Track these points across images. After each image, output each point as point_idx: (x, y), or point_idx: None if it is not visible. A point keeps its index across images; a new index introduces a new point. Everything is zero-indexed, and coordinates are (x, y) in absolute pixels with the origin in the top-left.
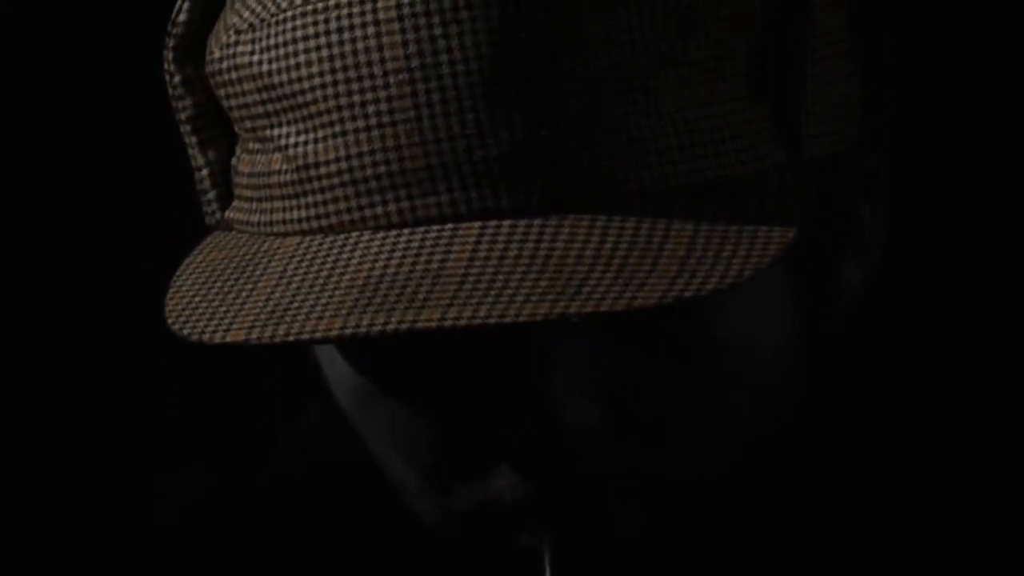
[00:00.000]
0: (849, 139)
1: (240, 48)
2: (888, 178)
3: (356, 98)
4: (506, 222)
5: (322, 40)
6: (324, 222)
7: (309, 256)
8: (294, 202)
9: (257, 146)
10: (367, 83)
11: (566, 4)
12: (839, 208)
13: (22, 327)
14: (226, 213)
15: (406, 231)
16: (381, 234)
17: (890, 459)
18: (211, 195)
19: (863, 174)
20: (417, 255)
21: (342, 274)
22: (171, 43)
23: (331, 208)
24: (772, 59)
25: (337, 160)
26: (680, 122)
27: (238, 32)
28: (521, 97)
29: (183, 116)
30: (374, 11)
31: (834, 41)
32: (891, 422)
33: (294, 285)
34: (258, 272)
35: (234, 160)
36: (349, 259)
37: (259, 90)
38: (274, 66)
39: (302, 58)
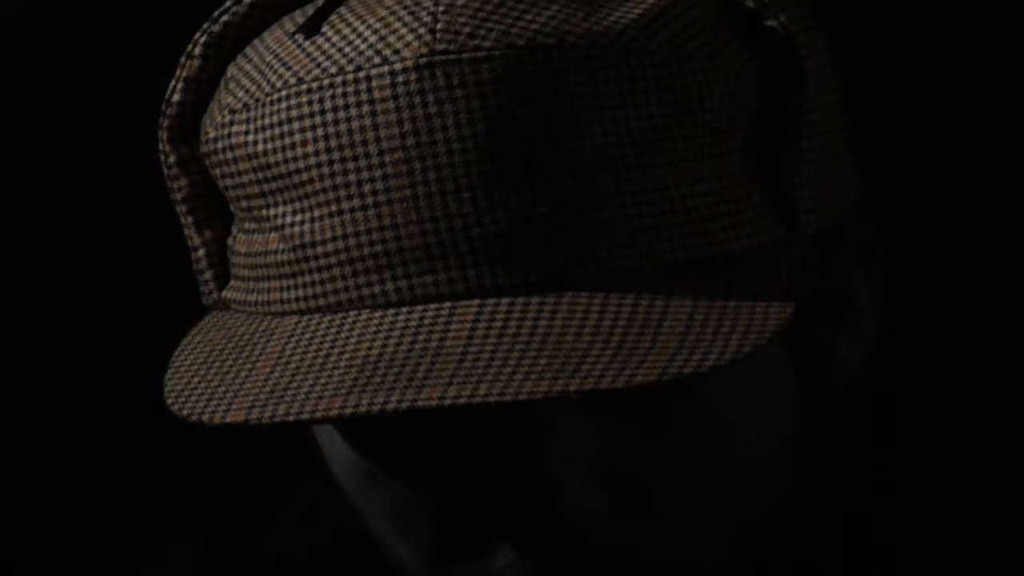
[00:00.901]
0: (845, 215)
1: (235, 128)
2: (884, 254)
3: (352, 177)
4: (504, 300)
5: (317, 119)
6: (322, 301)
7: (307, 336)
8: (291, 281)
9: (253, 225)
10: (363, 162)
11: (560, 82)
12: (835, 283)
13: (24, 404)
14: (223, 293)
15: (404, 310)
16: (379, 313)
17: (889, 529)
18: (208, 275)
19: (859, 250)
20: (416, 334)
21: (341, 353)
22: (165, 123)
23: (328, 287)
24: (767, 135)
25: (334, 239)
26: (676, 199)
27: (232, 112)
28: (517, 175)
29: (179, 196)
30: (368, 90)
31: (829, 116)
32: (889, 492)
33: (293, 365)
34: (256, 352)
35: (230, 240)
36: (348, 338)
37: (254, 169)
38: (269, 145)
39: (297, 137)
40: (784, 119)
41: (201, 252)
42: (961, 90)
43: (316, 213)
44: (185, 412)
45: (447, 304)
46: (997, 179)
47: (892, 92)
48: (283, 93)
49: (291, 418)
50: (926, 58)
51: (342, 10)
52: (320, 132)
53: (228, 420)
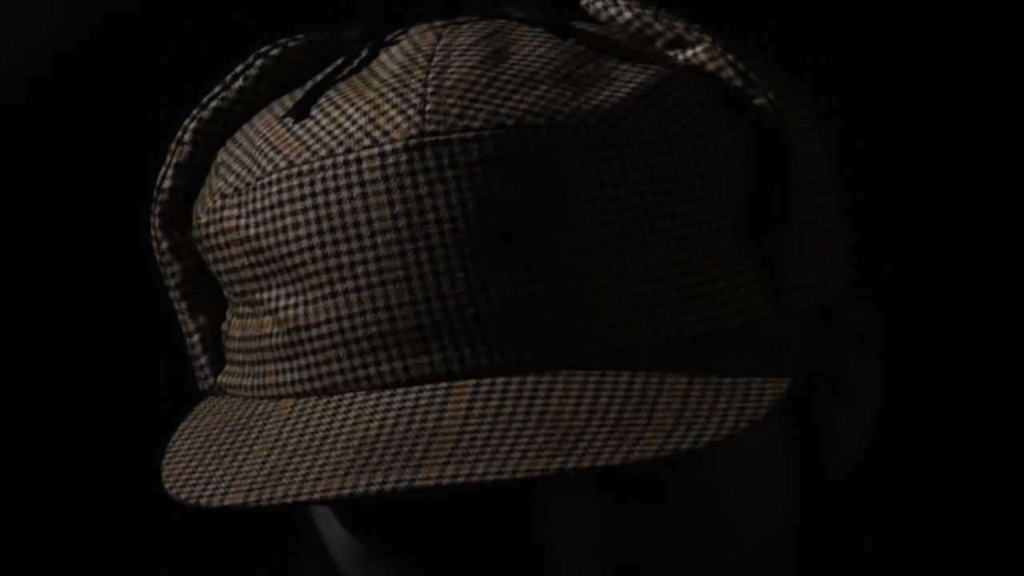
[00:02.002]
0: (838, 293)
1: (226, 212)
2: (879, 333)
3: (344, 259)
4: (500, 379)
5: (308, 202)
6: (317, 384)
7: (304, 418)
8: (286, 364)
9: (247, 310)
10: (355, 244)
11: (550, 161)
12: (830, 362)
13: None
14: (219, 378)
15: (400, 391)
16: (375, 395)
17: None
18: (203, 360)
19: (853, 328)
20: (412, 415)
21: (337, 435)
22: (157, 209)
23: (324, 370)
24: (757, 212)
25: (328, 322)
26: (669, 277)
27: (224, 196)
28: (509, 255)
29: (172, 282)
30: (359, 172)
31: (820, 193)
32: (890, 561)
33: (290, 447)
34: (253, 435)
35: (225, 325)
36: (344, 420)
37: (247, 253)
38: (261, 229)
39: (288, 220)
40: (774, 196)
41: (196, 338)
42: (957, 168)
43: (309, 296)
44: (183, 496)
45: (443, 384)
46: (991, 261)
47: (885, 170)
48: (274, 177)
49: (289, 500)
50: (918, 136)
51: (331, 93)
52: (312, 215)
53: (226, 503)
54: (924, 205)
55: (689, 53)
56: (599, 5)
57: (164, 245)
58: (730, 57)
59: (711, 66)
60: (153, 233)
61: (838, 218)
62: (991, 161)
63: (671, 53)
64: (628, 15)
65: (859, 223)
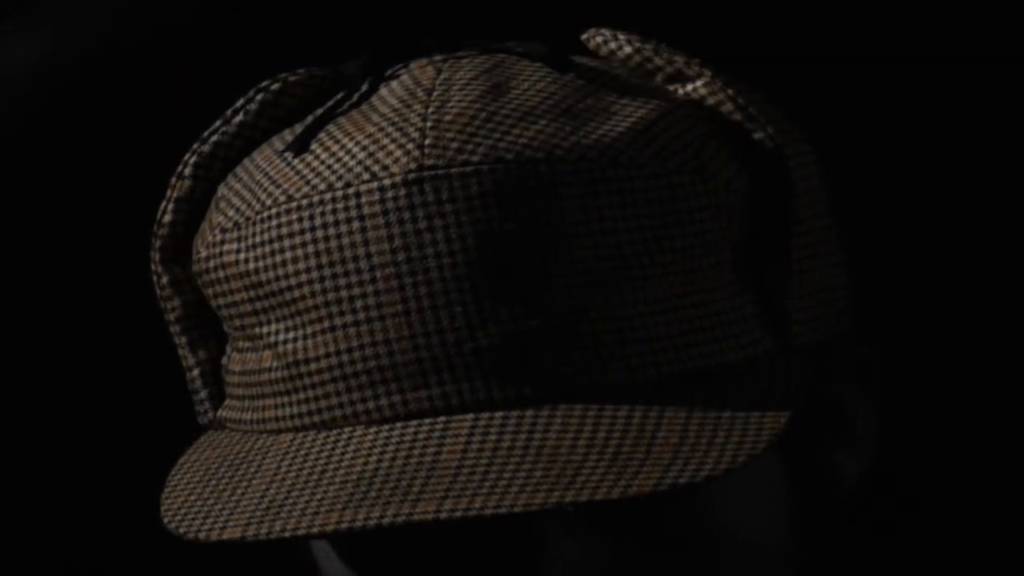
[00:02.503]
0: (839, 327)
1: (226, 247)
2: (881, 369)
3: (344, 293)
4: (498, 414)
5: (307, 236)
6: (316, 418)
7: (303, 453)
8: (285, 399)
9: (247, 344)
10: (354, 278)
11: (549, 195)
12: (832, 397)
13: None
14: (218, 412)
15: (399, 425)
16: (374, 429)
17: None
18: (203, 395)
19: (855, 364)
20: (411, 449)
21: (336, 469)
22: (157, 244)
23: (323, 404)
24: (758, 247)
25: (327, 356)
26: (669, 311)
27: (223, 231)
28: (509, 289)
29: (172, 317)
30: (358, 206)
31: (820, 228)
32: None
33: (288, 482)
34: (252, 470)
35: (225, 359)
36: (343, 455)
37: (246, 288)
38: (260, 263)
39: (288, 255)
40: (775, 231)
41: (196, 372)
42: (957, 203)
43: (309, 330)
44: (181, 530)
45: (441, 419)
46: (992, 296)
47: (885, 205)
48: (273, 211)
49: (287, 534)
50: (918, 172)
51: (330, 128)
52: (311, 249)
53: (225, 537)
54: (926, 240)
55: (689, 88)
56: (599, 40)
57: (164, 279)
58: (730, 92)
59: (711, 100)
60: (153, 268)
61: (839, 253)
62: (991, 197)
63: (671, 88)
64: (628, 49)
65: (860, 258)
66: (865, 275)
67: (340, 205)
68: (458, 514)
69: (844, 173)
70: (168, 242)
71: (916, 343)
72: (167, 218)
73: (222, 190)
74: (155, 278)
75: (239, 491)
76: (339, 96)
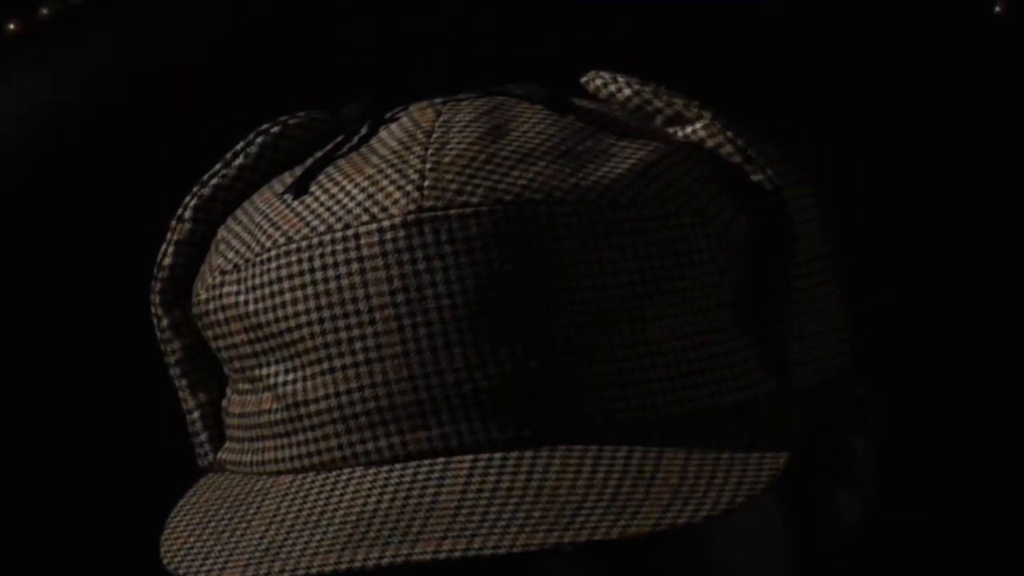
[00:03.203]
0: (839, 369)
1: (226, 288)
2: (879, 410)
3: (343, 335)
4: (497, 455)
5: (307, 278)
6: (316, 460)
7: (302, 494)
8: (285, 440)
9: (247, 386)
10: (353, 320)
11: (548, 237)
12: (831, 438)
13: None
14: (218, 455)
15: (398, 466)
16: (373, 470)
17: None
18: (203, 437)
19: (854, 405)
20: (410, 490)
21: (335, 510)
22: (157, 287)
23: (322, 445)
24: (758, 288)
25: (326, 397)
26: (668, 352)
27: (223, 273)
28: (508, 330)
29: (172, 359)
30: (357, 248)
31: (819, 270)
32: None
33: (288, 523)
34: (251, 511)
35: (225, 402)
36: (342, 496)
37: (246, 330)
38: (260, 305)
39: (287, 296)
40: (774, 273)
41: (196, 415)
42: (955, 247)
43: (308, 371)
44: (181, 571)
45: (440, 460)
46: (991, 336)
47: (884, 249)
48: (272, 253)
49: (286, 575)
50: (916, 213)
51: (330, 170)
52: (310, 291)
53: None
54: (926, 283)
55: (688, 130)
56: (599, 82)
57: (164, 322)
58: (729, 134)
59: (710, 142)
60: (153, 310)
61: (838, 295)
62: (989, 239)
63: (670, 130)
64: (628, 92)
65: (859, 300)
66: (864, 316)
67: (339, 247)
68: (457, 554)
69: (843, 215)
70: (168, 285)
71: (914, 384)
72: (167, 261)
73: (222, 232)
74: (155, 321)
75: (239, 532)
76: (339, 139)
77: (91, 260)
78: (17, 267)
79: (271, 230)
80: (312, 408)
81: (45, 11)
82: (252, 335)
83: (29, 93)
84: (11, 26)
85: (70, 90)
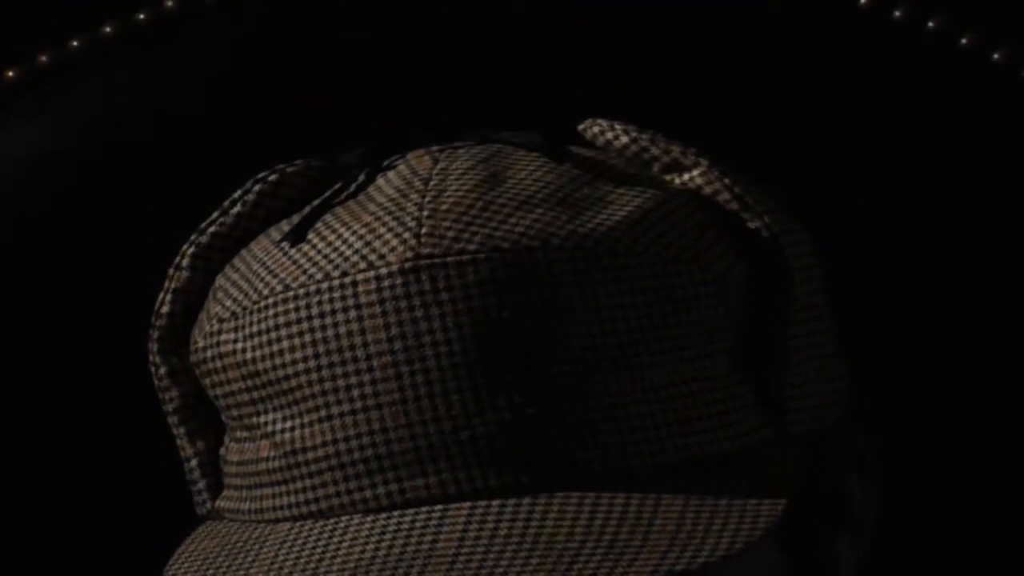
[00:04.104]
0: (836, 417)
1: (223, 336)
2: (878, 459)
3: (340, 382)
4: (495, 502)
5: (304, 325)
6: (313, 507)
7: (300, 542)
8: (283, 488)
9: (244, 434)
10: (351, 367)
11: (546, 284)
12: (829, 485)
13: None
14: (216, 502)
15: (396, 514)
16: (371, 517)
17: None
18: (201, 485)
19: (853, 453)
20: (407, 537)
21: (333, 558)
22: (155, 335)
23: (320, 493)
24: (755, 335)
25: (324, 445)
26: (666, 399)
27: (221, 320)
28: (505, 377)
29: (170, 408)
30: (355, 295)
31: (817, 317)
32: None
33: (286, 571)
34: (249, 559)
35: (223, 450)
36: (340, 543)
37: (244, 377)
38: (257, 353)
39: (285, 344)
40: (772, 320)
41: (194, 463)
42: (953, 296)
43: (306, 419)
44: None
45: (438, 507)
46: (990, 386)
47: (884, 297)
48: (270, 300)
49: None
50: (914, 262)
51: (327, 217)
52: (308, 338)
53: None
54: (924, 330)
55: (686, 177)
56: (595, 130)
57: (162, 370)
58: (726, 181)
59: (707, 190)
60: (151, 358)
61: (836, 342)
62: (988, 284)
63: (668, 177)
64: (625, 139)
65: (858, 348)
66: (863, 364)
67: (337, 294)
68: None
69: (842, 263)
70: (166, 333)
71: (913, 433)
72: (165, 309)
73: (220, 280)
74: (153, 369)
75: None
76: (336, 187)
77: (89, 308)
78: (15, 314)
79: (268, 278)
80: (310, 455)
81: (44, 59)
82: (250, 383)
83: (28, 141)
84: (10, 73)
85: (69, 138)
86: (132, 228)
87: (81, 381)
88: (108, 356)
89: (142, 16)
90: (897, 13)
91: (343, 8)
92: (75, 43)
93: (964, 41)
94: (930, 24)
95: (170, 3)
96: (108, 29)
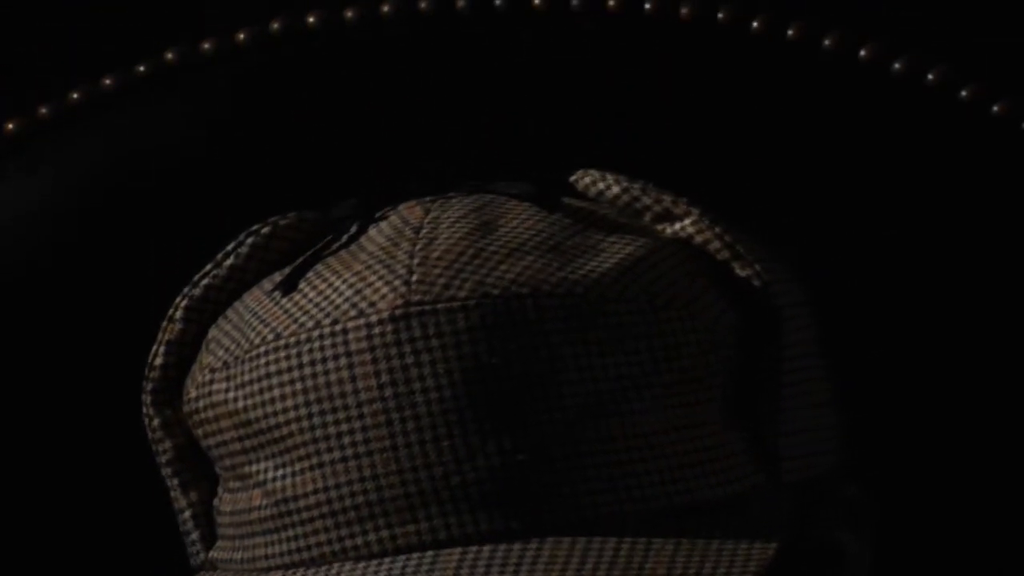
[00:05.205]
0: (829, 465)
1: (215, 386)
2: (871, 508)
3: (331, 430)
4: (487, 547)
5: (295, 374)
6: (305, 555)
7: None
8: (275, 536)
9: (237, 484)
10: (341, 414)
11: (536, 331)
12: (822, 536)
13: None
14: (210, 553)
15: (387, 560)
16: (363, 564)
17: None
18: (195, 536)
19: (846, 503)
20: None
21: None
22: (149, 387)
23: (312, 541)
24: (747, 383)
25: (315, 492)
26: (656, 446)
27: (212, 371)
28: (496, 423)
29: (164, 459)
30: (345, 343)
31: (809, 366)
32: None
33: None
34: None
35: (216, 500)
36: None
37: (236, 427)
38: (249, 402)
39: (276, 392)
40: (763, 368)
41: (187, 514)
42: (953, 349)
43: (297, 467)
44: None
45: (430, 553)
46: (984, 439)
47: (878, 345)
48: (261, 349)
49: None
50: (913, 315)
51: (319, 267)
52: (299, 386)
53: None
54: (917, 380)
55: (677, 226)
56: (587, 180)
57: (156, 422)
58: (717, 229)
59: (699, 238)
60: (145, 410)
61: (829, 391)
62: (989, 341)
63: (659, 226)
64: (616, 189)
65: (851, 397)
66: (857, 413)
67: (328, 342)
68: None
69: (834, 311)
70: (160, 384)
71: (906, 483)
72: (158, 361)
73: (213, 332)
74: (146, 421)
75: None
76: (329, 237)
77: (83, 360)
78: (13, 363)
79: (260, 327)
80: (301, 503)
81: (44, 111)
82: (242, 432)
83: (27, 194)
84: (9, 126)
85: (68, 191)
86: (126, 280)
87: (77, 432)
88: (103, 408)
89: (142, 68)
90: (897, 65)
91: (340, 61)
92: (75, 95)
93: (964, 93)
94: (930, 77)
95: (170, 55)
96: (108, 81)
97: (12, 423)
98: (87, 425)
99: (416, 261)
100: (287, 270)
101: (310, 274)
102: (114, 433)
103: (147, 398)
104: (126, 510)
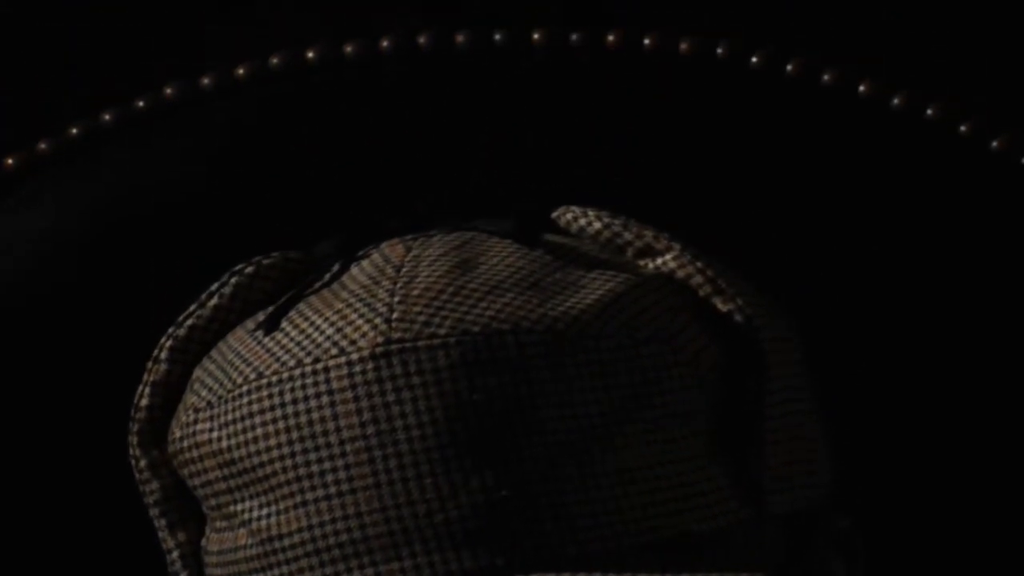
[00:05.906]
0: (817, 498)
1: (199, 426)
2: (860, 540)
3: (315, 468)
4: None
5: (277, 412)
6: None
7: None
8: (260, 575)
9: (223, 523)
10: (324, 452)
11: (516, 367)
12: (813, 567)
13: None
14: None
15: None
16: None
17: None
18: None
19: (834, 535)
20: None
21: None
22: (135, 428)
23: None
24: (731, 417)
25: (300, 531)
26: (640, 481)
27: (196, 410)
28: (478, 460)
29: (151, 500)
30: (327, 381)
31: (794, 399)
32: None
33: None
34: None
35: (204, 541)
36: None
37: (220, 466)
38: (232, 441)
39: (259, 431)
40: (747, 402)
41: (175, 554)
42: (946, 382)
43: (281, 505)
44: None
45: None
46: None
47: (866, 377)
48: (244, 389)
49: None
50: (909, 350)
51: (301, 306)
52: (281, 425)
53: None
54: (910, 412)
55: (659, 261)
56: (569, 217)
57: (143, 463)
58: (699, 264)
59: (680, 273)
60: (131, 451)
61: (817, 424)
62: (985, 374)
63: (641, 262)
64: (598, 225)
65: (839, 430)
66: (843, 445)
67: (309, 380)
68: None
69: (818, 343)
70: (146, 426)
71: (896, 513)
72: (144, 402)
73: (197, 372)
74: (133, 462)
75: None
76: (311, 277)
77: (81, 394)
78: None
79: (243, 366)
80: (286, 542)
81: (43, 146)
82: (226, 471)
83: (26, 229)
84: (9, 161)
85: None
86: (109, 321)
87: (61, 474)
88: (99, 444)
89: (141, 103)
90: (896, 101)
91: (339, 96)
92: (74, 130)
93: (963, 129)
94: (928, 112)
95: (169, 90)
96: (107, 116)
97: (6, 454)
98: (83, 459)
99: (397, 299)
100: (270, 309)
101: (292, 313)
102: (107, 468)
103: (133, 439)
104: (115, 550)
